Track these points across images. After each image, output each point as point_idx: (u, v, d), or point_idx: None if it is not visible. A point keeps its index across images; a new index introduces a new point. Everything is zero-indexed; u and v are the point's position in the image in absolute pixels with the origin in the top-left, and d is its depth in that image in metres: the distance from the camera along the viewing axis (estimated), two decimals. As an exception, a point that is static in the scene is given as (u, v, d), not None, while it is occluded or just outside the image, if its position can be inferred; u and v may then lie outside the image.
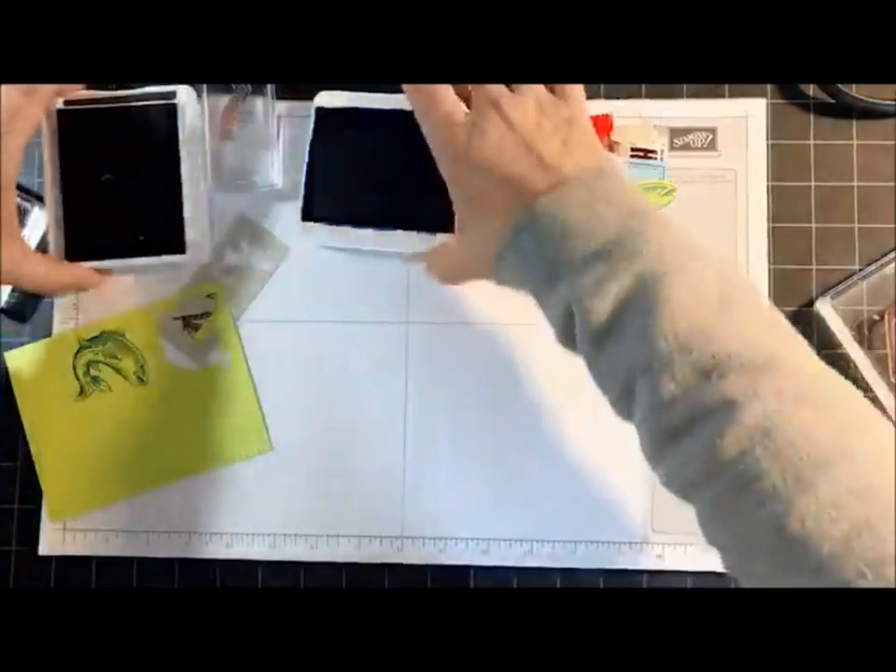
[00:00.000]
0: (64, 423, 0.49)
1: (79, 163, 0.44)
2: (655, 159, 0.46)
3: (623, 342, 0.33)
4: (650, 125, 0.48)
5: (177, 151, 0.44)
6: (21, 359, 0.49)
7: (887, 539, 0.28)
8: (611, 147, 0.47)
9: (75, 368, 0.49)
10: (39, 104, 0.42)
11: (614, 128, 0.47)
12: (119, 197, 0.44)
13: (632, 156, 0.46)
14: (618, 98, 0.49)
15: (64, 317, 0.49)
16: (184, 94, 0.44)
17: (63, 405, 0.49)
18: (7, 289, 0.49)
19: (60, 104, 0.44)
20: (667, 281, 0.32)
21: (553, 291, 0.35)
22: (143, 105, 0.44)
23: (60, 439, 0.48)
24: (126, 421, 0.48)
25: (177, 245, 0.44)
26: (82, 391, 0.49)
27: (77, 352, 0.49)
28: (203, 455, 0.48)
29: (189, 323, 0.48)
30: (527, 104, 0.37)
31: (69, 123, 0.44)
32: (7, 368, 0.49)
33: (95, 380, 0.49)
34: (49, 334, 0.49)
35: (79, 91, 0.45)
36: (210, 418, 0.48)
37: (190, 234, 0.44)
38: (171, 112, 0.44)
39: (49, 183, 0.44)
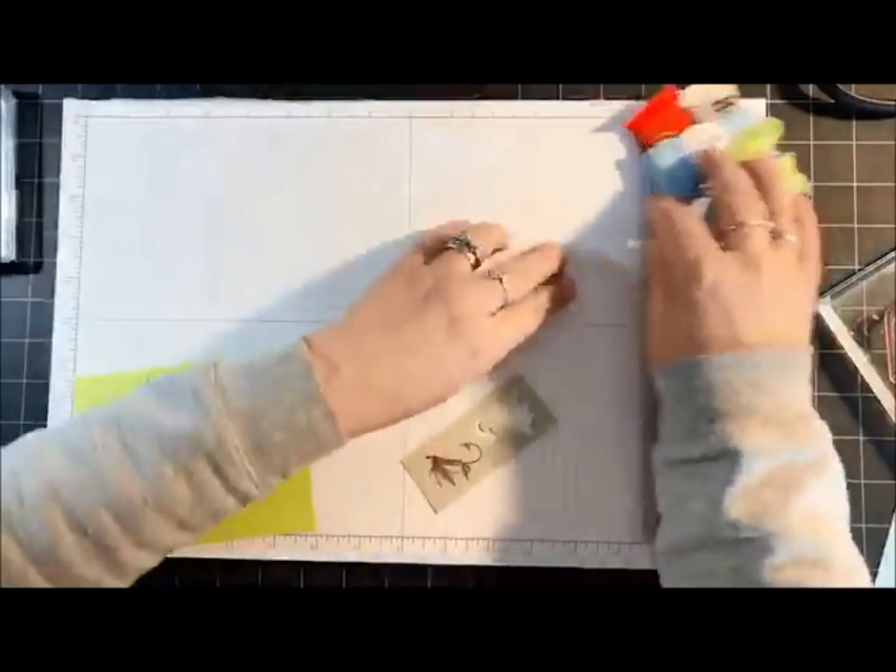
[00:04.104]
0: None
1: None
2: (737, 105, 0.46)
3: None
4: (706, 85, 0.46)
5: None
6: (87, 387, 0.48)
7: None
8: (685, 118, 0.45)
9: None
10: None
11: (678, 96, 0.46)
12: None
13: (717, 110, 0.45)
14: (618, 98, 0.48)
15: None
16: None
17: None
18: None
19: None
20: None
21: (716, 423, 0.38)
22: None
23: None
24: None
25: None
26: None
27: None
28: (245, 521, 0.45)
29: None
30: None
31: None
32: (5, 363, 0.49)
33: None
34: (49, 331, 0.49)
35: None
36: None
37: None
38: None
39: None
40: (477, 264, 0.43)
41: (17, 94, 0.50)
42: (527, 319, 0.43)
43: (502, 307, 0.42)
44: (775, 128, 0.45)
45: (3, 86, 0.49)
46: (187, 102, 0.50)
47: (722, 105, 0.46)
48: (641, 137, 0.47)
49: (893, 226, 0.47)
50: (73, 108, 0.50)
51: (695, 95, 0.46)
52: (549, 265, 0.45)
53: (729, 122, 0.46)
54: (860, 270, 0.47)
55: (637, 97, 0.48)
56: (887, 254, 0.47)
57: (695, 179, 0.45)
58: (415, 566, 0.47)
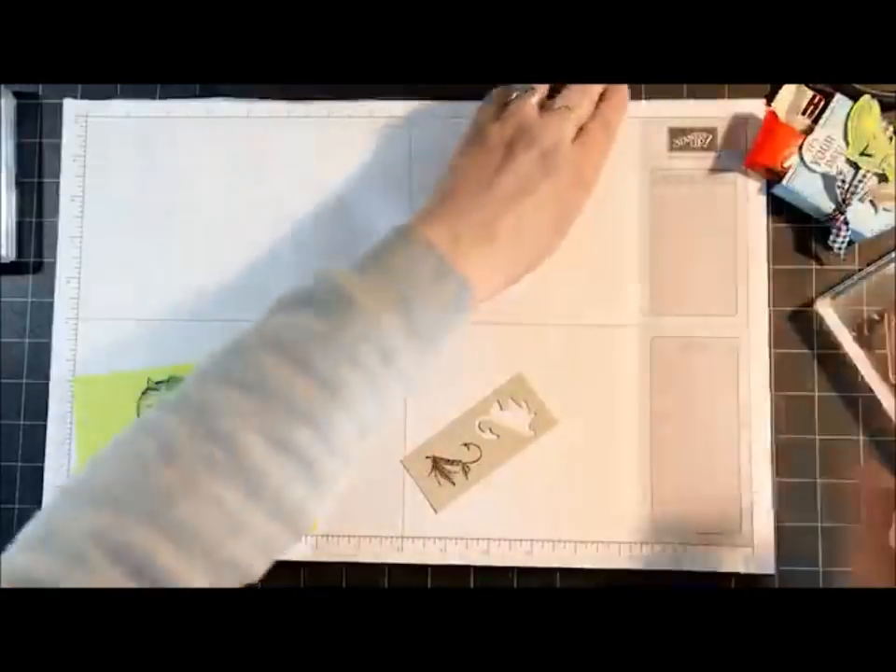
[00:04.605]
0: None
1: None
2: (829, 97, 0.47)
3: None
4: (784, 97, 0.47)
5: None
6: (88, 387, 0.48)
7: None
8: (793, 132, 0.46)
9: (138, 407, 0.48)
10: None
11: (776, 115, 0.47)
12: None
13: (810, 115, 0.47)
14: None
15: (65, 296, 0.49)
16: None
17: None
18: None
19: None
20: None
21: None
22: None
23: None
24: None
25: None
26: None
27: (144, 392, 0.48)
28: None
29: None
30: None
31: None
32: (5, 363, 0.49)
33: None
34: (49, 331, 0.49)
35: None
36: None
37: None
38: None
39: None
40: (542, 104, 0.44)
41: (17, 94, 0.50)
42: (602, 136, 0.45)
43: (578, 132, 0.44)
44: (870, 103, 0.46)
45: (3, 86, 0.49)
46: (187, 102, 0.50)
47: (814, 107, 0.47)
48: (765, 167, 0.47)
49: (893, 227, 0.47)
50: (73, 108, 0.50)
51: (782, 110, 0.47)
52: None
53: (829, 120, 0.46)
54: (860, 270, 0.47)
55: (637, 97, 0.48)
56: (887, 254, 0.47)
57: (834, 190, 0.46)
58: (415, 566, 0.47)
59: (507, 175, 0.41)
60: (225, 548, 0.34)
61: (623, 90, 0.46)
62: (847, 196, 0.45)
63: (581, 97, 0.44)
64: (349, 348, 0.37)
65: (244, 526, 0.35)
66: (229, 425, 0.35)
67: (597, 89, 0.45)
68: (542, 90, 0.45)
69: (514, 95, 0.44)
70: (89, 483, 0.35)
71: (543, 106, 0.44)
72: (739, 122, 0.48)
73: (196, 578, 0.33)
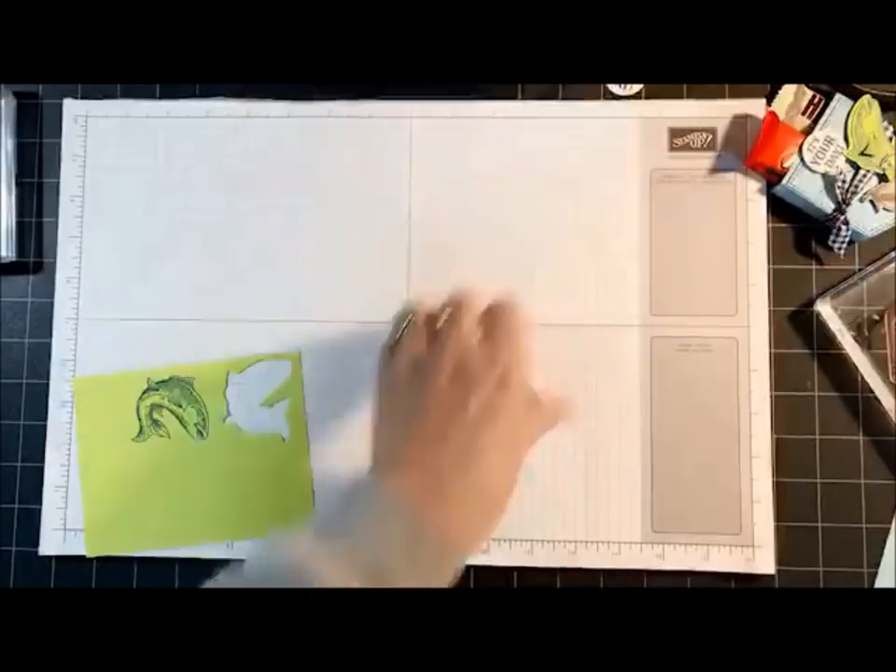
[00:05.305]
0: (118, 460, 0.48)
1: None
2: (829, 97, 0.47)
3: None
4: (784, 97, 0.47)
5: None
6: (88, 387, 0.49)
7: None
8: (793, 132, 0.46)
9: (138, 408, 0.48)
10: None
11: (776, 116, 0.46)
12: None
13: (809, 115, 0.47)
14: (618, 98, 0.49)
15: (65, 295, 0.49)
16: None
17: (120, 442, 0.48)
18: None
19: None
20: None
21: None
22: None
23: (110, 475, 0.48)
24: (179, 471, 0.48)
25: None
26: (141, 432, 0.48)
27: (144, 392, 0.48)
28: (247, 522, 0.47)
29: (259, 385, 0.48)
30: None
31: None
32: (5, 363, 0.49)
33: (156, 424, 0.48)
34: (49, 331, 0.49)
35: None
36: (261, 485, 0.47)
37: None
38: None
39: None
40: (427, 330, 0.39)
41: (17, 94, 0.50)
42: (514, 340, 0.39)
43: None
44: (870, 103, 0.46)
45: (3, 86, 0.49)
46: (187, 102, 0.50)
47: (814, 107, 0.47)
48: (765, 167, 0.47)
49: (893, 227, 0.47)
50: (73, 108, 0.50)
51: (782, 110, 0.47)
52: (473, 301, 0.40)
53: (829, 120, 0.46)
54: (860, 270, 0.47)
55: (637, 97, 0.48)
56: (887, 254, 0.47)
57: (834, 190, 0.46)
58: (415, 566, 0.47)
59: (455, 429, 0.36)
60: None
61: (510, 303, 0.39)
62: (847, 196, 0.45)
63: (465, 312, 0.38)
64: None
65: None
66: None
67: (478, 304, 0.39)
68: (419, 320, 0.39)
69: (393, 338, 0.39)
70: None
71: (427, 329, 0.39)
72: (739, 122, 0.48)
73: None
